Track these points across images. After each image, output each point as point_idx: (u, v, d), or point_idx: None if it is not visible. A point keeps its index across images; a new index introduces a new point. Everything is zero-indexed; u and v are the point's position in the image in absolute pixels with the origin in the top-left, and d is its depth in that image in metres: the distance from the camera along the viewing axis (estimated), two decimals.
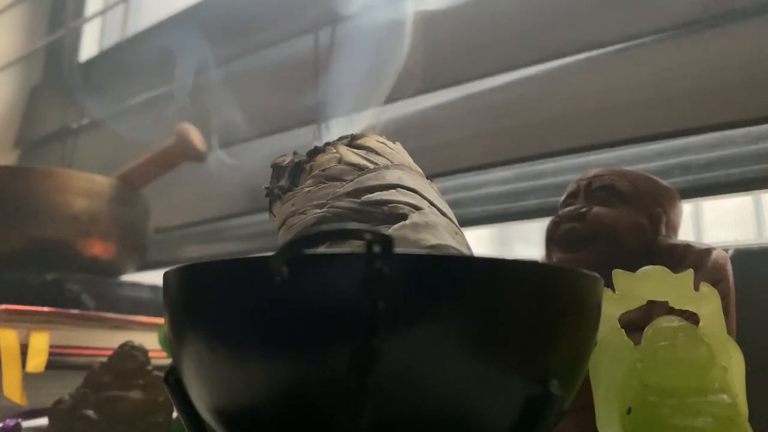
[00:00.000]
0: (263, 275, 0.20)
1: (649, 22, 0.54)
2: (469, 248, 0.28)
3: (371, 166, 0.29)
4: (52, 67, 1.23)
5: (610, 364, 0.28)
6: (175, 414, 0.44)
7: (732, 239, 0.60)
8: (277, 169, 0.31)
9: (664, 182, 0.40)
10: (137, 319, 0.59)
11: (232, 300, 0.21)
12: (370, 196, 0.28)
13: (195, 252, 0.92)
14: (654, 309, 0.32)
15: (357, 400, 0.18)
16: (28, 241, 0.69)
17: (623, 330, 0.29)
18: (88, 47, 1.24)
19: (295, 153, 0.31)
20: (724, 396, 0.26)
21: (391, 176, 0.29)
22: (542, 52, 0.60)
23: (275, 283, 0.19)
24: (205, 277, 0.22)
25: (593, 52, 0.58)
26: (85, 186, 0.71)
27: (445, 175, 0.66)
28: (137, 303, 0.67)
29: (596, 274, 0.24)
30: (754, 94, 0.49)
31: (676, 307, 0.29)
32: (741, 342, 0.29)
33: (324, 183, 0.29)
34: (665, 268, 0.29)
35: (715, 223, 0.64)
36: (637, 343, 0.28)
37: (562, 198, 0.42)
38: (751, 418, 0.27)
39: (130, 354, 0.46)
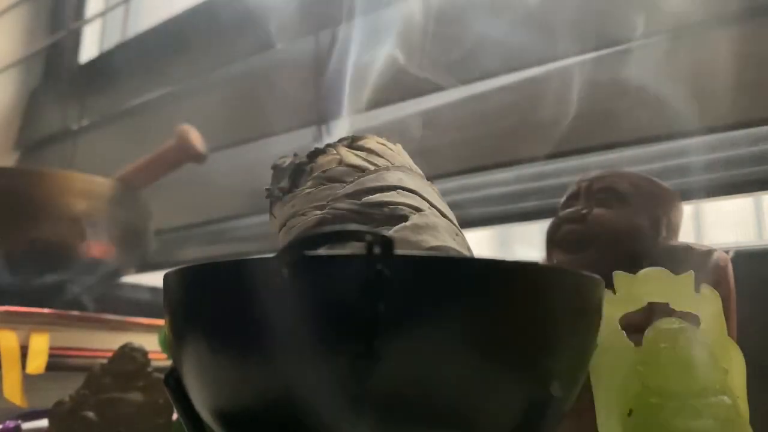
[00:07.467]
0: (264, 277, 0.20)
1: (649, 24, 0.54)
2: (469, 250, 0.28)
3: (371, 167, 0.29)
4: (52, 68, 1.23)
5: (611, 365, 0.28)
6: (175, 416, 0.44)
7: (732, 241, 0.60)
8: (277, 170, 0.31)
9: (665, 184, 0.40)
10: (137, 321, 0.59)
11: (233, 301, 0.21)
12: (370, 197, 0.28)
13: (195, 253, 0.91)
14: (655, 311, 0.32)
15: (358, 402, 0.18)
16: (28, 243, 0.68)
17: (624, 332, 0.29)
18: (89, 49, 1.24)
19: (295, 154, 0.31)
20: (725, 398, 0.26)
21: (392, 178, 0.29)
22: (543, 53, 0.60)
23: (276, 285, 0.19)
24: (206, 278, 0.22)
25: (594, 54, 0.58)
26: (86, 187, 0.71)
27: (446, 177, 0.66)
28: (137, 304, 0.67)
29: (597, 276, 0.24)
30: (754, 95, 0.49)
31: (676, 309, 0.29)
32: (741, 343, 0.29)
33: (324, 184, 0.29)
34: (666, 270, 0.29)
35: (716, 224, 0.64)
36: (637, 344, 0.28)
37: (563, 200, 0.42)
38: (751, 420, 0.27)
39: (130, 355, 0.45)
